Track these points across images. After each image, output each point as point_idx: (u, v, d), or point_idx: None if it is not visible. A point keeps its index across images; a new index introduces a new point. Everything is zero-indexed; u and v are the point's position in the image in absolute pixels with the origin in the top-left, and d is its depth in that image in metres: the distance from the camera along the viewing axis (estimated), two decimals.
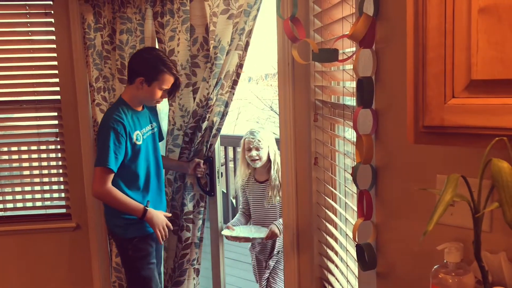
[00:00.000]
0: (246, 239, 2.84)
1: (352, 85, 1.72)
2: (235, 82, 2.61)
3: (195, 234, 2.81)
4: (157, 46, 2.68)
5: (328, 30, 1.96)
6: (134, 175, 2.39)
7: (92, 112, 2.87)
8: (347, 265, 1.87)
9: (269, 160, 2.89)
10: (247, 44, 2.52)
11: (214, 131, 2.68)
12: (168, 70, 2.36)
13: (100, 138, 2.32)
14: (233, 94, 2.63)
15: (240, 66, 2.56)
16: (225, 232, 2.87)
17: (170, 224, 2.45)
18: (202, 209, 2.84)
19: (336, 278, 2.05)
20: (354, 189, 1.78)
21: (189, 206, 2.78)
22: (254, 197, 3.01)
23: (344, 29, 1.74)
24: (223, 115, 2.67)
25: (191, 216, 2.79)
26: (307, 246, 2.32)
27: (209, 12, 2.51)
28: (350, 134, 1.86)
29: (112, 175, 2.29)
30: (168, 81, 2.37)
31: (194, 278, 2.84)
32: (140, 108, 2.47)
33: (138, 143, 2.37)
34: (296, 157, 2.29)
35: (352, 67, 1.67)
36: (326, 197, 2.12)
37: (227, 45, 2.48)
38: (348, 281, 1.87)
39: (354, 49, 1.62)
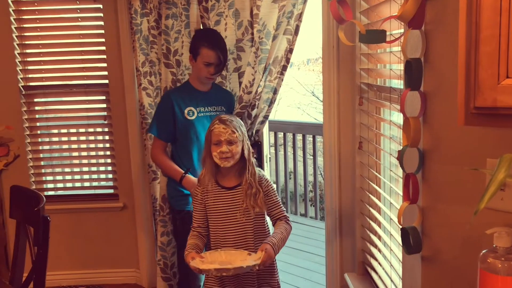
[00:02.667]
0: (237, 270, 1.89)
1: (399, 67, 1.69)
2: (284, 68, 2.58)
3: None
4: None
5: (374, 11, 1.93)
6: (186, 149, 2.51)
7: (138, 96, 2.93)
8: (391, 250, 1.87)
9: (242, 158, 2.11)
10: (297, 28, 2.48)
11: (261, 118, 2.67)
12: (207, 44, 2.40)
13: None
14: (282, 80, 2.60)
15: (289, 51, 2.52)
16: (197, 264, 1.93)
17: None
18: None
19: (379, 263, 2.04)
20: (399, 173, 1.77)
21: None
22: (219, 210, 2.12)
23: (391, 10, 1.71)
24: (271, 102, 2.64)
25: None
26: (350, 230, 2.32)
27: None
28: (396, 118, 1.83)
29: (160, 142, 2.52)
30: (208, 55, 2.39)
31: None
32: (204, 88, 2.54)
33: (189, 118, 2.47)
34: (339, 141, 2.28)
35: (399, 49, 1.64)
36: (370, 182, 2.11)
37: (272, 30, 2.46)
38: (391, 265, 1.87)
39: (402, 30, 1.59)
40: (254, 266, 1.89)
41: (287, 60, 2.56)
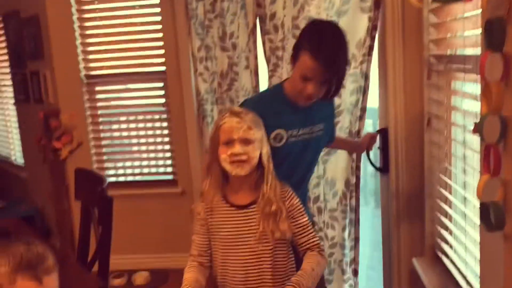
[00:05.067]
0: None
1: (475, 33, 1.56)
2: (370, 48, 2.28)
3: (341, 234, 2.53)
4: (255, 11, 2.61)
5: None
6: None
7: (194, 82, 2.93)
8: (465, 231, 1.74)
9: (259, 165, 1.64)
10: (377, 2, 2.22)
11: (358, 112, 2.38)
12: (310, 49, 1.62)
13: None
14: (370, 62, 2.29)
15: (373, 28, 2.25)
16: None
17: None
18: (346, 207, 2.51)
19: (451, 246, 1.92)
20: (475, 148, 1.65)
21: (332, 203, 2.51)
22: (227, 236, 1.64)
23: None
24: (365, 90, 2.33)
25: (335, 214, 2.53)
26: (418, 214, 2.20)
27: None
28: (470, 90, 1.70)
29: None
30: (307, 65, 1.63)
31: (350, 279, 2.58)
32: (303, 103, 1.76)
33: (277, 144, 1.77)
34: (405, 119, 2.17)
35: (474, 13, 1.52)
36: (440, 161, 1.98)
37: (341, 5, 2.31)
38: (466, 247, 1.74)
39: None
40: None
41: (372, 39, 2.25)
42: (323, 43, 1.63)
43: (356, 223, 2.46)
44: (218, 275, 1.68)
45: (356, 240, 2.48)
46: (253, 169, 1.62)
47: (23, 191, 4.45)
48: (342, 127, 2.41)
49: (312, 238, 1.65)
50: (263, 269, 1.62)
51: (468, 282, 1.74)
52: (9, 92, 4.35)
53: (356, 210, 2.46)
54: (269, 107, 1.79)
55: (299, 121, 1.81)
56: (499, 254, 1.40)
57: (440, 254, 2.05)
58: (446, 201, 1.96)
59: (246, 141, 1.58)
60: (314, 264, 1.59)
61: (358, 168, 2.43)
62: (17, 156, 4.67)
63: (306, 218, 1.67)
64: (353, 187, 2.45)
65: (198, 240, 1.68)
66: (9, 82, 4.26)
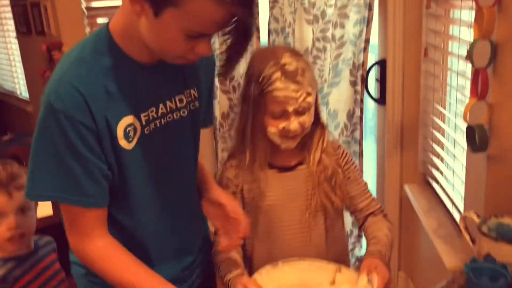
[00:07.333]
0: None
1: None
2: None
3: None
4: None
5: None
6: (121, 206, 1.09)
7: None
8: (454, 157, 1.82)
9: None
10: None
11: (362, 43, 2.28)
12: None
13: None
14: None
15: None
16: None
17: None
18: (349, 138, 2.45)
19: (441, 172, 2.01)
20: (469, 76, 1.69)
21: (335, 134, 2.48)
22: (270, 206, 1.33)
23: None
24: (368, 22, 2.23)
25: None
26: (412, 142, 2.27)
27: None
28: (467, 17, 1.72)
29: (91, 213, 1.03)
30: (206, 15, 0.85)
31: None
32: (148, 59, 1.01)
33: (127, 145, 1.02)
34: (404, 49, 2.19)
35: None
36: (435, 91, 2.03)
37: None
38: (454, 172, 1.83)
39: None
40: None
41: None
42: None
43: (360, 155, 2.52)
44: (254, 254, 1.36)
45: (361, 172, 2.54)
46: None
47: (28, 124, 4.54)
48: (345, 59, 2.40)
49: (374, 201, 1.38)
50: (316, 244, 1.33)
51: (454, 204, 1.85)
52: (10, 25, 4.34)
53: (360, 142, 2.50)
54: (97, 81, 0.97)
55: (154, 91, 1.05)
56: (482, 174, 1.48)
57: (430, 180, 2.14)
58: (439, 129, 2.03)
59: (303, 111, 1.22)
60: (386, 230, 1.29)
61: (362, 101, 2.45)
62: (21, 90, 4.73)
63: (363, 179, 1.40)
64: (357, 120, 2.47)
65: None
66: (10, 15, 4.24)
